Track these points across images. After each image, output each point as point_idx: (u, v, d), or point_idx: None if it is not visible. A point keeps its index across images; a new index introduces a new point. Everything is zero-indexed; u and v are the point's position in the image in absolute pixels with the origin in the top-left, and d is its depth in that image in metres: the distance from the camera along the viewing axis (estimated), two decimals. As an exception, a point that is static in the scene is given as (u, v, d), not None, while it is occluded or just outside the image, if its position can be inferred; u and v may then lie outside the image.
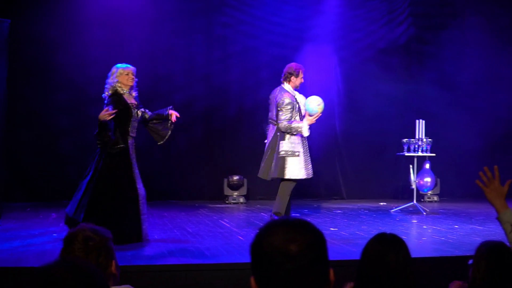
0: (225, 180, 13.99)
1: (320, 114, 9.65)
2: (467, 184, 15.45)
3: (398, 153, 12.77)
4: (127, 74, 8.73)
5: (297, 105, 9.84)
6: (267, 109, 14.50)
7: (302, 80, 10.04)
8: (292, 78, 9.94)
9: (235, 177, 14.00)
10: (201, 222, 10.50)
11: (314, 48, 14.78)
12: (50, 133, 13.67)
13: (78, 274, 2.06)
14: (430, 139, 12.29)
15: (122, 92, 8.65)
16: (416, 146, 12.30)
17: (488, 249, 3.76)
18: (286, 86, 10.01)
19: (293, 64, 10.18)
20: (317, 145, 14.57)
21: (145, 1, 14.13)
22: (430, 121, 13.12)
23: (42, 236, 8.71)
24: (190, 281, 6.32)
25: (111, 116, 8.23)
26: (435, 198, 14.47)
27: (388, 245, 3.62)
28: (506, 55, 15.83)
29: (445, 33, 15.54)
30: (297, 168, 9.71)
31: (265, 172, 9.90)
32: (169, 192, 14.17)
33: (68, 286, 2.02)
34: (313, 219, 10.97)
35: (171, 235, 8.87)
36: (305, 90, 13.83)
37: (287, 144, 9.70)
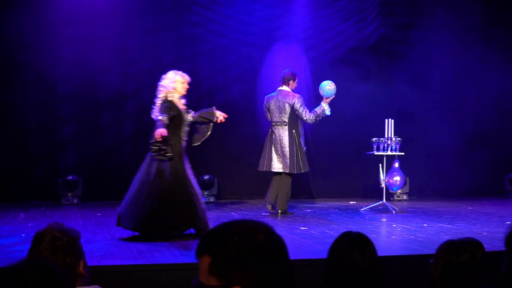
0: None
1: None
2: (436, 183, 15.60)
3: (367, 152, 12.82)
4: (183, 83, 9.15)
5: None
6: (240, 109, 14.54)
7: (296, 85, 11.53)
8: (291, 82, 11.41)
9: (205, 177, 13.97)
10: (171, 221, 10.44)
11: (283, 48, 14.80)
12: (19, 131, 13.57)
13: (44, 273, 2.04)
14: (399, 138, 12.34)
15: (172, 98, 8.92)
16: (386, 145, 12.36)
17: (447, 246, 3.78)
18: (286, 88, 11.41)
19: (288, 70, 11.64)
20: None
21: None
22: (400, 120, 13.19)
23: (11, 236, 8.64)
24: (159, 281, 6.31)
25: (165, 135, 8.44)
26: (405, 197, 14.55)
27: (353, 244, 3.64)
28: (475, 54, 15.98)
29: (414, 33, 15.63)
30: (306, 161, 11.46)
31: (305, 165, 11.43)
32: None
33: (34, 285, 2.00)
34: (283, 218, 11.00)
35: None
36: (274, 88, 13.87)
37: (302, 141, 11.41)
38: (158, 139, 8.38)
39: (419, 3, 15.82)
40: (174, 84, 9.00)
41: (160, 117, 8.62)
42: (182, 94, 9.10)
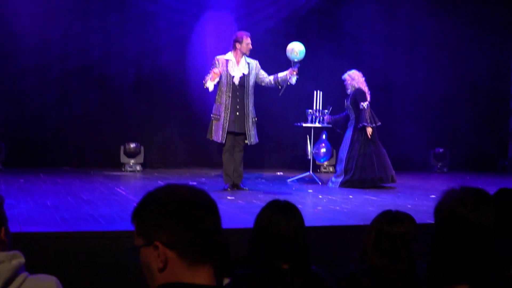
0: (122, 148, 13.80)
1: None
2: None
3: (295, 124, 12.85)
4: None
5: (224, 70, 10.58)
6: (169, 76, 14.38)
7: (249, 46, 10.70)
8: (237, 44, 10.65)
9: (132, 145, 13.83)
10: (96, 189, 10.33)
11: (214, 16, 14.69)
12: None
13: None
14: (327, 110, 12.40)
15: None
16: (314, 117, 12.40)
17: (382, 215, 3.79)
18: (228, 53, 10.74)
19: (238, 32, 10.97)
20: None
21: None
22: (329, 92, 13.22)
23: None
24: (83, 249, 6.21)
25: None
26: (331, 169, 14.66)
27: (280, 212, 3.62)
28: (404, 28, 16.14)
29: (346, 5, 15.68)
30: (211, 129, 10.67)
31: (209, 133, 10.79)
32: (63, 159, 13.89)
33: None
34: (211, 188, 10.94)
35: (64, 202, 8.68)
36: (205, 56, 13.72)
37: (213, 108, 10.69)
38: None
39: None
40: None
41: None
42: None
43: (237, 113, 10.53)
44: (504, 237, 2.39)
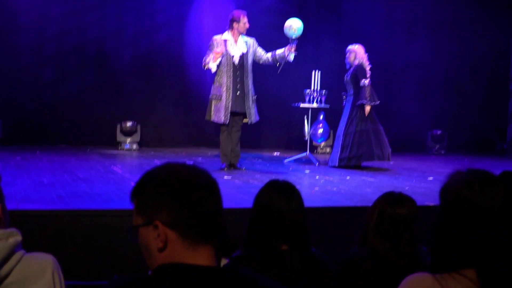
0: (118, 126, 13.74)
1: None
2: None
3: (293, 104, 12.78)
4: None
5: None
6: (166, 55, 14.33)
7: (246, 25, 10.54)
8: (234, 24, 10.46)
9: (128, 123, 13.77)
10: (93, 167, 10.30)
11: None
12: None
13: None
14: (325, 90, 12.32)
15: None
16: (311, 97, 12.33)
17: (385, 196, 3.77)
18: (225, 33, 10.53)
19: (234, 11, 10.80)
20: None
21: None
22: (326, 72, 13.16)
23: None
24: (79, 227, 6.19)
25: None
26: (328, 150, 14.61)
27: (279, 192, 3.59)
28: (404, 8, 16.05)
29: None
30: (210, 110, 10.47)
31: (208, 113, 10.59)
32: (60, 137, 13.83)
33: None
34: (207, 167, 10.87)
35: (60, 179, 8.65)
36: (202, 34, 13.62)
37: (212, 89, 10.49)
38: None
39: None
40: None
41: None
42: None
43: (238, 93, 10.42)
44: (508, 221, 2.36)
